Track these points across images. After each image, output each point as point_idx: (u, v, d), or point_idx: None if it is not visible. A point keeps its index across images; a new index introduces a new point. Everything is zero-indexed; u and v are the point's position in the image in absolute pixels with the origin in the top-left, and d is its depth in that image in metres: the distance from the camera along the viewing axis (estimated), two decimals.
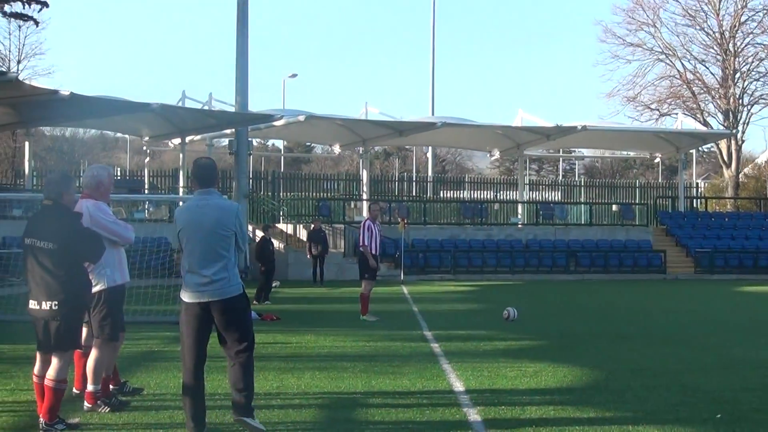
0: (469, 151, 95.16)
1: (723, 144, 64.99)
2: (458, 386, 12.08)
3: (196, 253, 9.04)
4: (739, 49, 66.24)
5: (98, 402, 10.32)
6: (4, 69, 54.15)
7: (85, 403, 10.35)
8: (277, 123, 41.39)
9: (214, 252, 8.98)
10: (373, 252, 21.28)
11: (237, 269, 9.16)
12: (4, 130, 50.02)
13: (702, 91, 67.65)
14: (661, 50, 67.83)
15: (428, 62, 65.79)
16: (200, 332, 9.04)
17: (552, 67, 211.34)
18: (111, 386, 10.86)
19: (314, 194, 53.97)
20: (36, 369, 9.59)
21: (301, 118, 42.03)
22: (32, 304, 9.36)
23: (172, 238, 36.41)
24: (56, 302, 9.22)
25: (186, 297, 9.10)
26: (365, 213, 45.94)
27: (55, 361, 9.37)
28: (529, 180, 71.09)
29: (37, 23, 39.03)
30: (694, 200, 60.64)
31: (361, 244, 21.67)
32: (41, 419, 9.31)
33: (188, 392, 9.03)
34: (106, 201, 10.80)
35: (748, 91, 66.95)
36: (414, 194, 61.08)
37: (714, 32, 66.40)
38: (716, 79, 67.31)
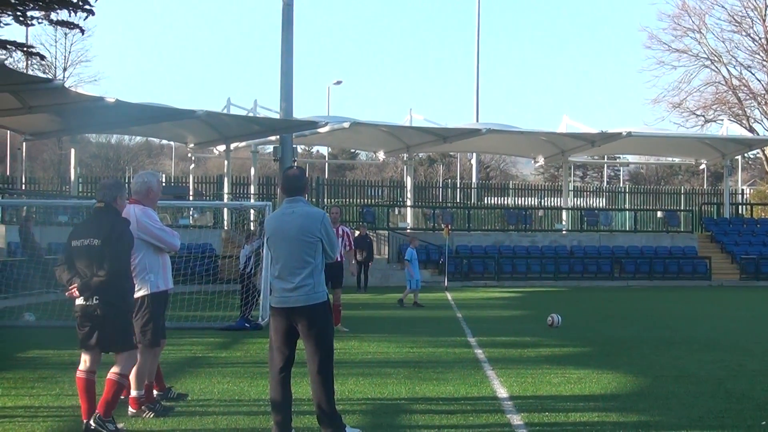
0: (513, 158, 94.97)
1: None
2: (502, 392, 12.07)
3: (282, 259, 9.24)
4: None
5: (142, 407, 10.40)
6: (50, 76, 54.67)
7: (130, 409, 10.43)
8: (321, 130, 41.35)
9: (299, 259, 9.16)
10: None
11: (323, 276, 9.28)
12: (51, 137, 50.49)
13: (748, 97, 67.20)
14: (706, 56, 67.48)
15: (473, 68, 66.03)
16: (286, 337, 9.20)
17: (597, 73, 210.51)
18: (155, 391, 10.93)
19: (358, 200, 53.94)
20: (82, 365, 9.58)
21: (346, 124, 42.04)
22: (79, 300, 9.43)
23: (217, 245, 36.83)
24: (97, 298, 9.29)
25: (273, 302, 9.34)
26: (409, 220, 46.02)
27: (117, 358, 9.54)
28: (574, 186, 70.74)
29: (83, 31, 39.09)
30: (740, 207, 60.11)
31: None
32: (92, 417, 9.23)
33: (273, 397, 9.16)
34: (153, 207, 10.86)
35: None
36: (458, 201, 60.90)
37: (760, 38, 65.94)
38: (762, 85, 66.87)
